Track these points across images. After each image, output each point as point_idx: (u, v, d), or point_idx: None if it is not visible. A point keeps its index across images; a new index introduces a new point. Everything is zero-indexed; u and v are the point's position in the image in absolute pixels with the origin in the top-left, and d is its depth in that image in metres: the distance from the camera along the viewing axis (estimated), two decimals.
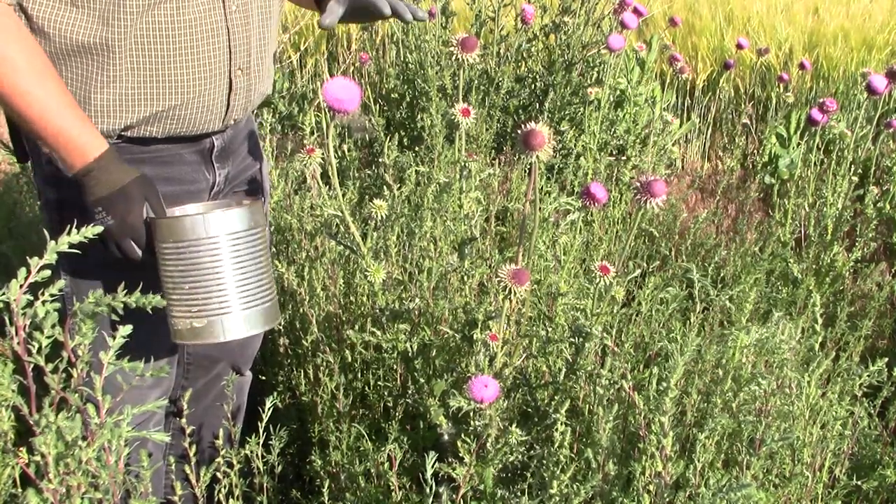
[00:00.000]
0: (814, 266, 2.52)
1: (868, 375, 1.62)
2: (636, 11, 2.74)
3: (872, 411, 1.88)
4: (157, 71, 1.35)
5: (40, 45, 1.30)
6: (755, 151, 3.82)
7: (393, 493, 1.56)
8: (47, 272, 0.90)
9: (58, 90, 1.29)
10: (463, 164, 1.75)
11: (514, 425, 1.42)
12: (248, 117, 1.59)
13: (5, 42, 1.25)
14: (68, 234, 0.91)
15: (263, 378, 2.15)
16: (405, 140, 3.25)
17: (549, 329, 1.72)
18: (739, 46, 3.66)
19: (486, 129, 3.06)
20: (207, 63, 1.39)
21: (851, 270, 2.55)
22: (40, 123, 1.28)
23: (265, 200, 1.66)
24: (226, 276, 1.30)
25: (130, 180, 1.32)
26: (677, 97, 4.13)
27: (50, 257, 0.89)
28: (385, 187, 1.96)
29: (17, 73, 1.25)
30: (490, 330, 1.51)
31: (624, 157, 3.03)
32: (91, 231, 0.92)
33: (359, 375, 1.95)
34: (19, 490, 1.02)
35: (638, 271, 2.05)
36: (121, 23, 1.30)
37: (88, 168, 1.30)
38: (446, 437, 1.55)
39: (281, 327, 2.08)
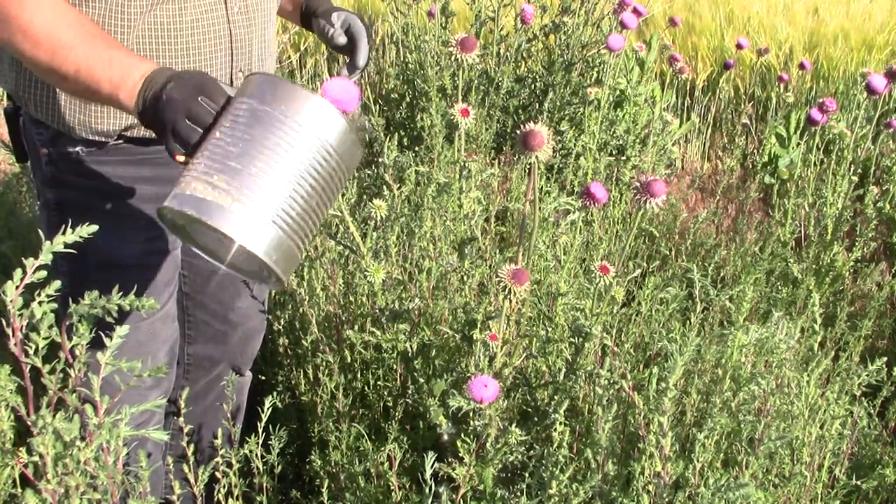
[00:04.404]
0: (814, 266, 2.52)
1: (867, 375, 1.62)
2: (636, 11, 2.74)
3: (872, 411, 1.87)
4: None
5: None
6: (755, 151, 3.81)
7: (393, 493, 1.56)
8: (44, 273, 0.90)
9: (98, 35, 1.20)
10: (463, 164, 1.75)
11: (513, 425, 1.42)
12: None
13: (39, 12, 1.19)
14: (63, 233, 0.91)
15: (263, 378, 2.15)
16: (405, 140, 3.25)
17: (549, 329, 1.72)
18: (739, 46, 3.66)
19: (486, 129, 3.06)
20: (209, 64, 1.38)
21: (851, 270, 2.55)
22: (89, 71, 1.17)
23: None
24: (282, 172, 1.04)
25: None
26: (677, 97, 4.13)
27: (45, 258, 0.89)
28: (385, 187, 1.96)
29: (60, 38, 1.18)
30: (490, 330, 1.51)
31: (624, 157, 3.03)
32: (87, 230, 0.92)
33: (358, 375, 1.95)
34: (19, 490, 1.02)
35: (638, 271, 2.05)
36: (123, 23, 1.30)
37: (147, 79, 1.15)
38: (446, 437, 1.55)
39: (280, 327, 2.08)
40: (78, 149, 1.39)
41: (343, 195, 1.97)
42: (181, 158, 1.11)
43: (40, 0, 1.20)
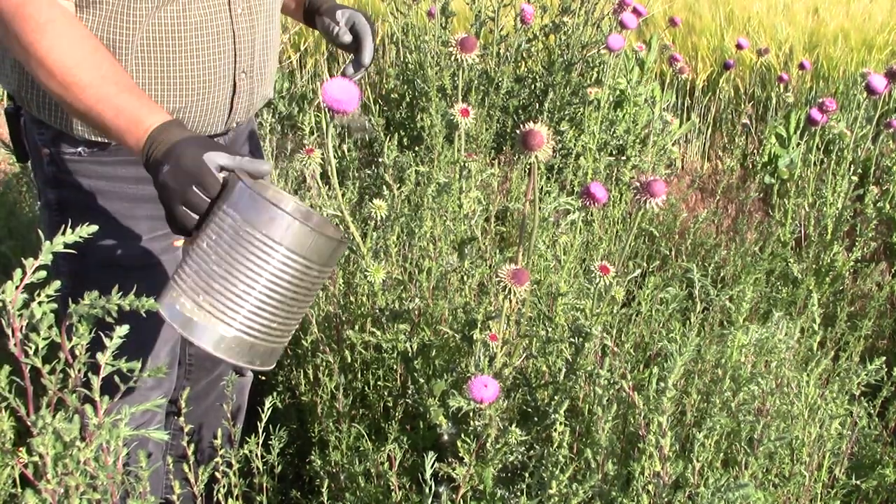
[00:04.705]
0: (814, 266, 2.52)
1: (866, 374, 1.62)
2: (636, 11, 2.74)
3: (872, 411, 1.88)
4: (161, 73, 1.35)
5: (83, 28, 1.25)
6: (755, 151, 3.81)
7: (393, 493, 1.56)
8: (44, 273, 0.90)
9: (112, 75, 1.22)
10: (463, 164, 1.75)
11: (513, 425, 1.42)
12: (248, 118, 1.59)
13: (57, 42, 1.21)
14: (63, 233, 0.91)
15: (263, 378, 2.15)
16: (405, 140, 3.25)
17: (549, 329, 1.72)
18: (739, 46, 3.66)
19: (486, 129, 3.06)
20: (212, 65, 1.38)
21: (851, 270, 2.55)
22: (99, 114, 1.21)
23: None
24: (264, 293, 1.14)
25: (189, 135, 1.19)
26: (677, 97, 4.13)
27: (45, 258, 0.89)
28: (385, 187, 1.96)
29: (74, 76, 1.20)
30: (490, 330, 1.51)
31: (624, 157, 3.03)
32: (87, 230, 0.92)
33: (358, 375, 1.95)
34: (19, 490, 1.03)
35: (638, 271, 2.05)
36: (128, 25, 1.30)
37: (150, 137, 1.18)
38: (446, 437, 1.55)
39: None
40: (79, 149, 1.39)
41: (343, 195, 1.97)
42: (178, 244, 1.19)
43: (59, 30, 1.21)
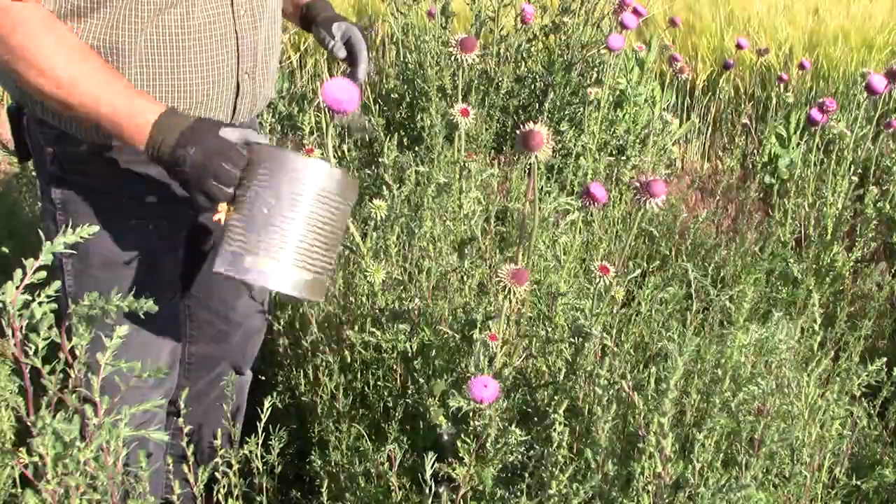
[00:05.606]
0: (814, 266, 2.52)
1: (867, 375, 1.62)
2: (636, 12, 2.74)
3: (872, 411, 1.87)
4: (165, 75, 1.35)
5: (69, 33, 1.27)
6: (755, 151, 3.81)
7: (393, 493, 1.56)
8: (43, 273, 0.90)
9: (101, 77, 1.25)
10: (463, 164, 1.75)
11: (513, 425, 1.42)
12: (251, 119, 1.59)
13: (39, 47, 1.22)
14: (64, 234, 0.91)
15: (263, 378, 2.15)
16: (405, 140, 3.25)
17: (549, 329, 1.72)
18: (739, 46, 3.66)
19: (486, 130, 3.06)
20: (216, 67, 1.39)
21: (851, 270, 2.55)
22: (96, 117, 1.25)
23: None
24: (295, 226, 1.27)
25: (195, 118, 1.26)
26: (677, 97, 4.13)
27: (45, 258, 0.89)
28: (385, 187, 1.96)
29: (59, 78, 1.23)
30: (490, 330, 1.51)
31: (624, 157, 3.03)
32: (88, 231, 0.92)
33: (358, 375, 1.95)
34: (19, 490, 1.03)
35: (638, 271, 2.05)
36: (132, 27, 1.30)
37: (153, 131, 1.24)
38: (446, 437, 1.55)
39: (280, 327, 2.08)
40: (83, 147, 1.39)
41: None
42: (217, 217, 1.27)
43: (55, 49, 1.23)
